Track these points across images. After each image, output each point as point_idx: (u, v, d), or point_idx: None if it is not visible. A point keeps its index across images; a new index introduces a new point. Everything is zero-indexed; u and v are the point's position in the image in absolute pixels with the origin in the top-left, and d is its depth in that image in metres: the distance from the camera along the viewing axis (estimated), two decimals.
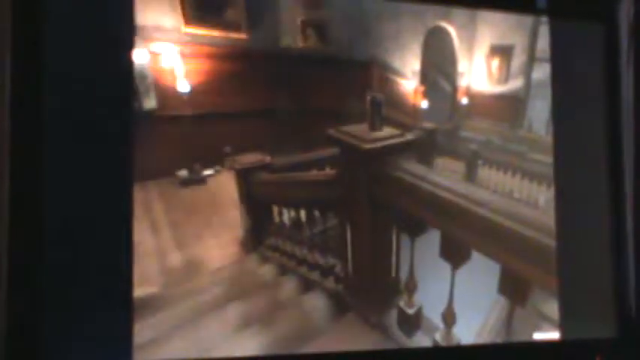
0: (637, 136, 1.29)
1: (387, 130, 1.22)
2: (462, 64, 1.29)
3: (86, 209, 0.94)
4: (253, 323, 1.09)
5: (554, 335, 1.23)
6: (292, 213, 1.28)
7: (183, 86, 1.08)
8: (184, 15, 1.09)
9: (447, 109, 1.31)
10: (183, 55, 1.08)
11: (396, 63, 1.25)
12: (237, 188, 1.19)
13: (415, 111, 1.28)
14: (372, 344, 1.15)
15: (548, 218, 1.21)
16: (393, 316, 1.21)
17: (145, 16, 1.03)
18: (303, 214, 1.28)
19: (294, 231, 1.26)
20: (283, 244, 1.24)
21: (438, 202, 1.13)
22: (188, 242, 1.08)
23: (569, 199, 1.27)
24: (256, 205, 1.22)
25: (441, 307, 1.18)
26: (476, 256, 1.14)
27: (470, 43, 1.29)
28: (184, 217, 1.10)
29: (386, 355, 1.15)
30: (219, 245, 1.11)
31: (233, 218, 1.18)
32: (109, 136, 0.96)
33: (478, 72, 1.30)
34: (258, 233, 1.19)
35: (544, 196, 1.28)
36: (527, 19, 1.31)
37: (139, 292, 0.97)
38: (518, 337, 1.20)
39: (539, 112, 1.31)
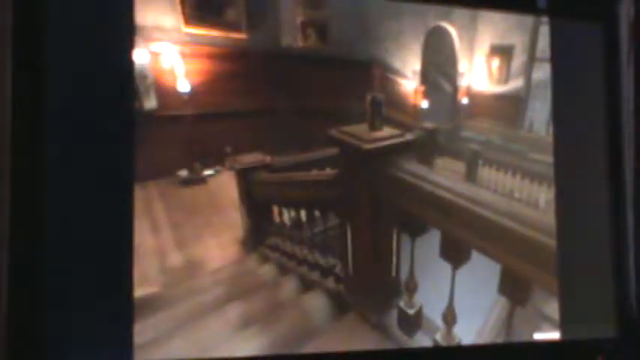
0: (637, 136, 1.29)
1: (387, 130, 1.22)
2: (463, 64, 1.29)
3: (86, 209, 0.94)
4: (253, 323, 1.09)
5: (554, 335, 1.23)
6: (292, 213, 1.28)
7: (184, 86, 1.08)
8: (184, 15, 1.09)
9: (448, 109, 1.31)
10: (184, 55, 1.08)
11: (397, 63, 1.25)
12: (237, 188, 1.19)
13: (415, 111, 1.28)
14: (372, 344, 1.15)
15: (548, 218, 1.21)
16: (393, 316, 1.21)
17: (145, 16, 1.03)
18: (303, 214, 1.28)
19: (295, 231, 1.26)
20: (283, 244, 1.24)
21: (439, 202, 1.13)
22: (188, 242, 1.08)
23: (570, 199, 1.27)
24: (256, 205, 1.21)
25: (442, 307, 1.18)
26: (476, 256, 1.14)
27: (470, 43, 1.29)
28: (184, 216, 1.09)
29: (386, 355, 1.14)
30: (220, 245, 1.11)
31: (233, 218, 1.17)
32: (109, 135, 0.96)
33: (478, 72, 1.30)
34: (258, 233, 1.18)
35: (545, 196, 1.28)
36: (528, 19, 1.31)
37: (139, 291, 0.97)
38: (519, 337, 1.20)
39: (540, 112, 1.31)
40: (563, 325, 1.23)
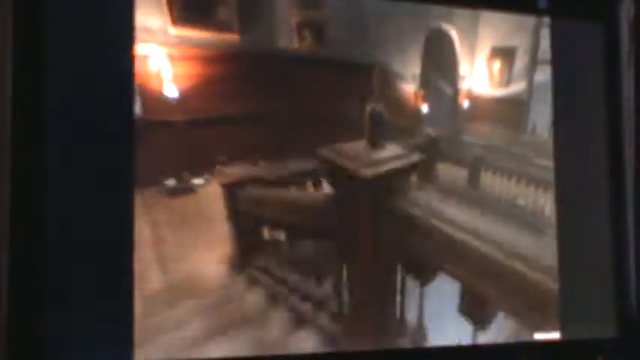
0: (637, 136, 1.29)
1: (389, 149, 1.11)
2: (464, 67, 1.27)
3: (86, 209, 0.94)
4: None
5: (554, 335, 1.22)
6: (282, 236, 1.11)
7: (171, 90, 1.02)
8: (172, 15, 1.02)
9: (449, 112, 1.28)
10: (171, 58, 1.02)
11: (396, 66, 1.21)
12: (224, 204, 1.06)
13: (416, 115, 1.24)
14: None
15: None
16: None
17: None
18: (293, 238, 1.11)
19: (285, 252, 1.10)
20: (272, 267, 1.08)
21: (454, 245, 1.02)
22: (170, 261, 0.99)
23: (570, 199, 1.27)
24: (245, 223, 1.07)
25: None
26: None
27: (471, 46, 1.27)
28: (171, 230, 1.01)
29: (387, 356, 1.14)
30: (206, 265, 1.01)
31: (222, 232, 1.05)
32: (109, 136, 0.96)
33: (480, 75, 1.28)
34: (246, 252, 1.05)
35: (550, 204, 1.24)
36: (529, 21, 1.31)
37: None
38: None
39: (542, 115, 1.30)
40: (563, 325, 1.23)
